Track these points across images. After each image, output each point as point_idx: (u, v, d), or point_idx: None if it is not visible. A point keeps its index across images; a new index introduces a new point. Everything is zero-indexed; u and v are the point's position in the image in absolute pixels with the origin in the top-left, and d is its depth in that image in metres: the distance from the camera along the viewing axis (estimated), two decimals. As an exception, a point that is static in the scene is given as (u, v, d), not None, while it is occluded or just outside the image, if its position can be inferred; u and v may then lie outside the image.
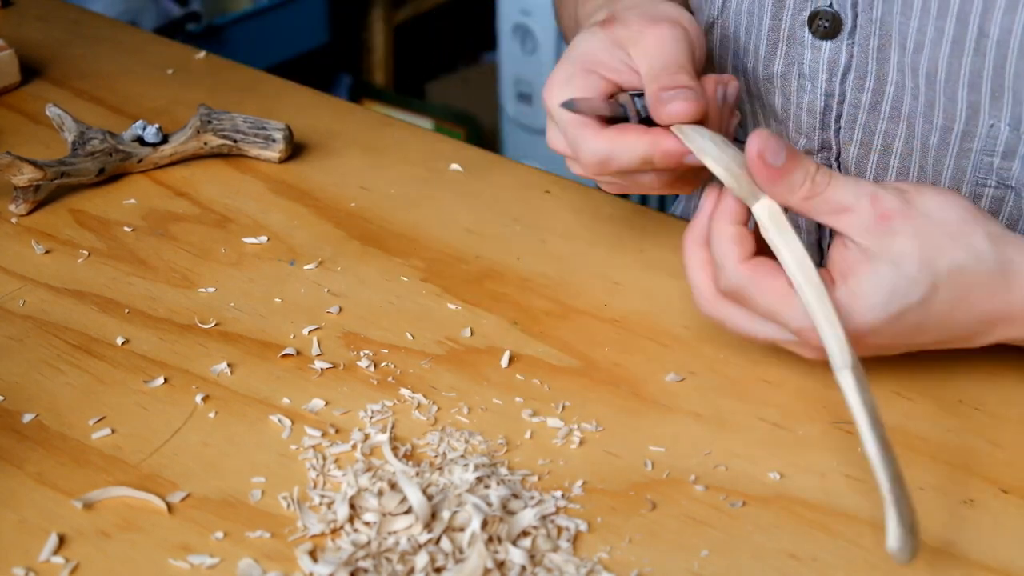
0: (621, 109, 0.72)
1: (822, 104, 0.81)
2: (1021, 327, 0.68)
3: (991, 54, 0.71)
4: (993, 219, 0.67)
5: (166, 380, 0.72)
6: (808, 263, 0.64)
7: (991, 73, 0.72)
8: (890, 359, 0.75)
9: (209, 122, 0.93)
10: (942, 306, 0.66)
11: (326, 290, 0.81)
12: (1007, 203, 0.78)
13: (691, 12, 0.85)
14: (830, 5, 0.77)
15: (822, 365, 0.74)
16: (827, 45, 0.78)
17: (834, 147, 0.83)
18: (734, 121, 0.75)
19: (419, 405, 0.71)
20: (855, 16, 0.76)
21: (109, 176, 0.91)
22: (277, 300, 0.80)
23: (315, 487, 0.65)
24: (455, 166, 0.94)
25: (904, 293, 0.65)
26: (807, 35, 0.79)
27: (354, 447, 0.68)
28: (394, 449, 0.67)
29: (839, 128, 0.81)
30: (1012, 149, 0.74)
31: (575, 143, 0.72)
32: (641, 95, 0.71)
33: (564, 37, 0.95)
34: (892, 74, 0.77)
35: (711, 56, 0.86)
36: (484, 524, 0.61)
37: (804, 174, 0.65)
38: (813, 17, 0.78)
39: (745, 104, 0.87)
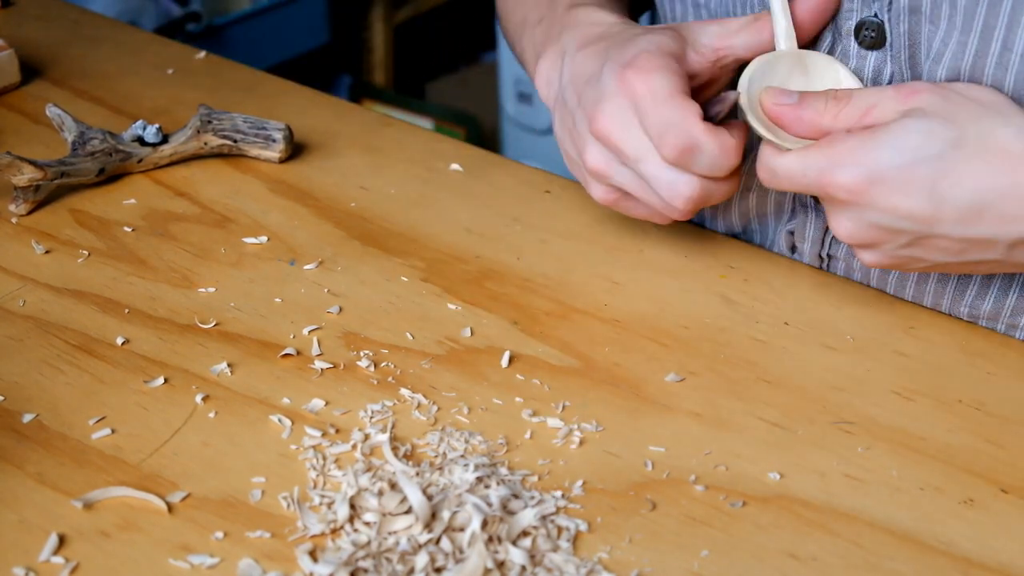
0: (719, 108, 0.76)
1: None
2: None
3: (1013, 68, 0.71)
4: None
5: (166, 380, 0.72)
6: None
7: (1012, 86, 0.72)
8: (889, 358, 0.75)
9: (209, 122, 0.93)
10: (964, 168, 0.65)
11: (326, 290, 0.81)
12: None
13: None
14: (875, 15, 0.76)
15: (821, 365, 0.75)
16: (872, 55, 0.77)
17: None
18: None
19: (419, 405, 0.71)
20: (891, 28, 0.76)
21: (109, 176, 0.91)
22: (277, 300, 0.80)
23: (315, 487, 0.65)
24: (455, 166, 0.94)
25: (920, 143, 0.65)
26: (853, 45, 0.78)
27: (354, 447, 0.68)
28: (394, 449, 0.67)
29: None
30: None
31: (681, 130, 0.73)
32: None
33: (512, 45, 0.96)
34: None
35: None
36: (484, 524, 0.61)
37: (823, 99, 0.69)
38: (859, 28, 0.78)
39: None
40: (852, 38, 0.77)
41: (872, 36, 0.77)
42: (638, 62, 0.74)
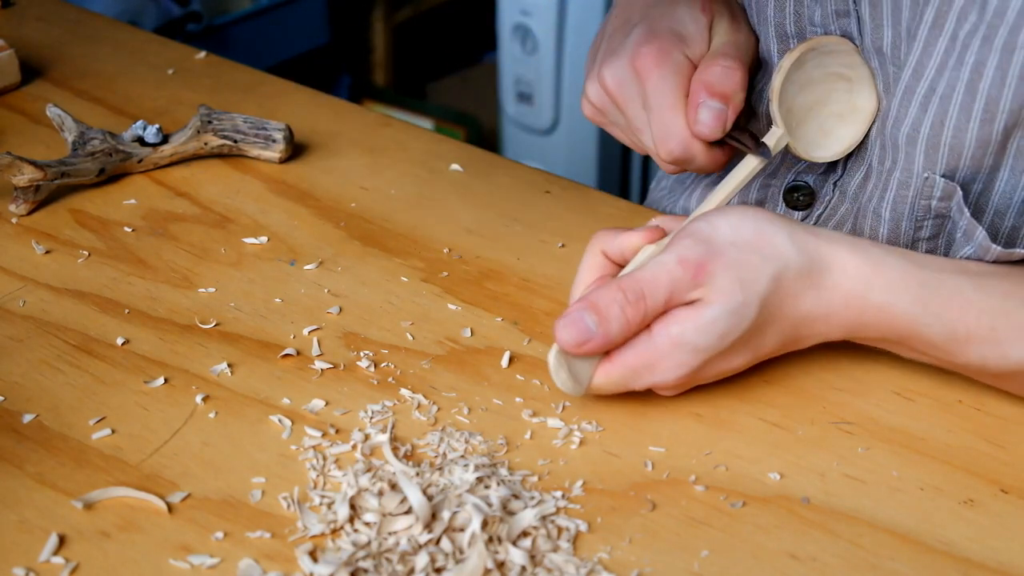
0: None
1: None
2: (838, 324, 0.69)
3: (933, 108, 0.71)
4: (793, 220, 0.70)
5: (166, 380, 0.72)
6: None
7: (928, 129, 0.72)
8: (891, 358, 0.75)
9: (209, 122, 0.93)
10: (768, 319, 0.68)
11: (326, 290, 0.81)
12: (945, 227, 0.77)
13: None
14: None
15: (821, 365, 0.75)
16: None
17: (839, 171, 0.83)
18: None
19: (419, 405, 0.71)
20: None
21: (109, 176, 0.91)
22: (277, 300, 0.80)
23: (315, 487, 0.65)
24: (455, 166, 0.94)
25: (739, 319, 0.67)
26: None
27: (354, 447, 0.68)
28: (394, 449, 0.67)
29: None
30: (949, 194, 0.74)
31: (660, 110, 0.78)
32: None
33: None
34: None
35: None
36: (484, 524, 0.61)
37: (618, 306, 0.68)
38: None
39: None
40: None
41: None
42: (655, 42, 0.79)
